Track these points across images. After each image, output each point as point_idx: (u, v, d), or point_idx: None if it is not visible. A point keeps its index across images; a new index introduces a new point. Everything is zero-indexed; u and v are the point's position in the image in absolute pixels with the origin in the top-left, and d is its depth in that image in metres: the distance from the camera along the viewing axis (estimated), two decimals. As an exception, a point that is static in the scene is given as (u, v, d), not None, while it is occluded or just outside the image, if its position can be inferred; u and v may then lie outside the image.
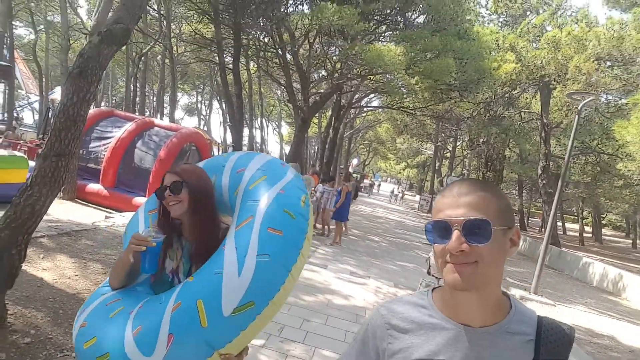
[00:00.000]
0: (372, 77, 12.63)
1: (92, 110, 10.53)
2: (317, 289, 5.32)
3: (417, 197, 39.62)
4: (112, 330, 1.28)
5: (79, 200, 9.18)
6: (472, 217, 0.77)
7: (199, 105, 39.90)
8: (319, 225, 9.98)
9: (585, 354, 5.33)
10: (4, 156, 8.19)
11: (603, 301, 9.78)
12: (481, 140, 18.66)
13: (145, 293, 1.46)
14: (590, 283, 12.20)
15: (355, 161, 37.60)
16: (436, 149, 30.25)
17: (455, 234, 0.77)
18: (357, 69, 12.29)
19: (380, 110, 24.31)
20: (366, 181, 48.62)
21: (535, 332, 0.83)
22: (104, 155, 10.02)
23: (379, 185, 48.53)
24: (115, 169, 9.87)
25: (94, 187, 9.61)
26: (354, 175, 35.64)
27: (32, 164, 8.18)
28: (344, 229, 9.92)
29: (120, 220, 7.40)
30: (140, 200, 9.09)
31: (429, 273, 5.24)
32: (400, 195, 36.51)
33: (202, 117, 40.21)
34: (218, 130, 43.77)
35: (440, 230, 0.80)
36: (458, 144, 27.50)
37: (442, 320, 0.86)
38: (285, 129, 43.16)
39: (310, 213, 1.48)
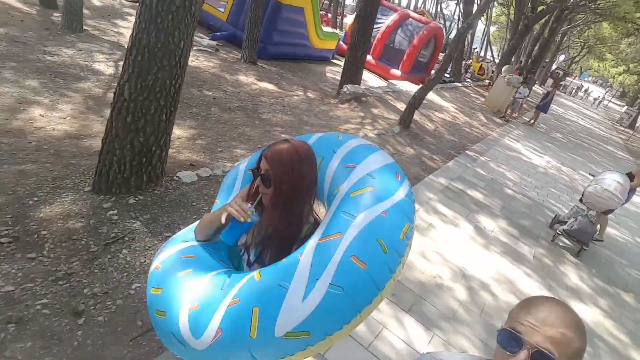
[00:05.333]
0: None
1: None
2: (511, 149, 9.43)
3: (624, 109, 36.27)
4: (175, 293, 1.31)
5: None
6: (546, 352, 0.80)
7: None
8: (514, 114, 13.70)
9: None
10: (328, 32, 13.33)
11: None
12: None
13: (218, 259, 1.48)
14: None
15: (562, 57, 35.55)
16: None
17: (524, 355, 0.81)
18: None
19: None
20: (569, 79, 45.10)
21: None
22: (375, 35, 14.60)
23: (586, 90, 44.29)
24: (382, 46, 14.48)
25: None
26: (557, 71, 34.36)
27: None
28: (537, 118, 13.86)
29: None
30: (395, 72, 13.75)
31: (580, 201, 5.52)
32: (600, 100, 34.56)
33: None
34: (428, 4, 44.27)
35: (512, 340, 0.84)
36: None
37: None
38: (494, 10, 41.42)
39: (407, 249, 1.27)
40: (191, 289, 1.30)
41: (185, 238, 1.57)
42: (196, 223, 1.57)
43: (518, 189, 6.93)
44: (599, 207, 5.24)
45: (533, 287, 4.15)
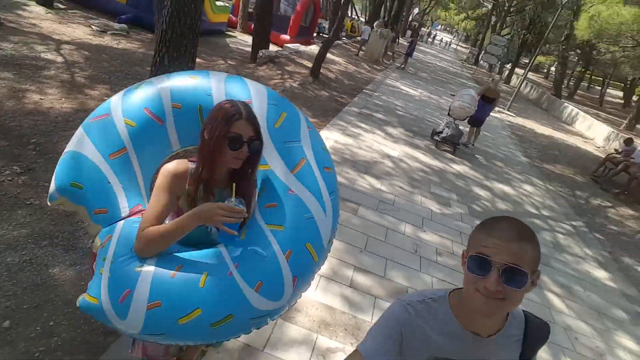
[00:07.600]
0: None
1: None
2: (393, 87, 12.02)
3: (469, 50, 42.87)
4: (215, 300, 1.27)
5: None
6: (514, 266, 0.84)
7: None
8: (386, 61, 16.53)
9: (514, 135, 12.01)
10: (220, 5, 14.35)
11: (555, 123, 16.12)
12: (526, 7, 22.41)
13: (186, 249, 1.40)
14: (560, 118, 18.22)
15: (416, 10, 40.44)
16: (494, 5, 33.03)
17: (495, 274, 0.84)
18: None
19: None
20: (424, 29, 51.49)
21: (522, 333, 1.01)
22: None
23: (434, 36, 51.31)
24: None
25: (257, 26, 15.78)
26: (413, 23, 39.14)
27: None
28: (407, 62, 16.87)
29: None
30: (284, 37, 15.42)
31: (448, 114, 7.43)
32: (449, 43, 40.80)
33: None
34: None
35: (481, 264, 0.87)
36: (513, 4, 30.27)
37: (458, 329, 0.98)
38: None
39: None
40: (235, 279, 1.32)
41: (136, 265, 1.34)
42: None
43: (405, 111, 9.42)
44: (460, 116, 7.22)
45: (426, 159, 6.56)
